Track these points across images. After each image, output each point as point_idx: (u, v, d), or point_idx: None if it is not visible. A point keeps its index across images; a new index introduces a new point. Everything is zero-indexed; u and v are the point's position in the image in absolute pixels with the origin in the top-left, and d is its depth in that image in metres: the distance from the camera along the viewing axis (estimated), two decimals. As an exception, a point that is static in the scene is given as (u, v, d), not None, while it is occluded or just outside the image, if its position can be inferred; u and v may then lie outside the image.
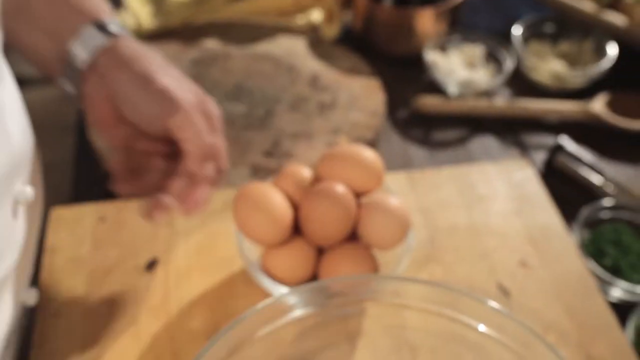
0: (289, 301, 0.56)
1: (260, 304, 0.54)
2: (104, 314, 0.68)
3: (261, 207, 0.64)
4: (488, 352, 0.59)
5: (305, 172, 0.68)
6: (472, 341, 0.59)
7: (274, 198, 0.65)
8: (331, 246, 0.66)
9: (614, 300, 0.78)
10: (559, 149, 0.92)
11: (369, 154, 0.67)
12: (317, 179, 0.67)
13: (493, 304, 0.56)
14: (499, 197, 0.82)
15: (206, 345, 0.51)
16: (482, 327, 0.58)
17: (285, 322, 0.57)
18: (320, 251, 0.67)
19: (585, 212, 0.83)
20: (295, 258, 0.66)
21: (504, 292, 0.72)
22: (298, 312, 0.57)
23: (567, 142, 0.92)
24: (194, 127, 0.61)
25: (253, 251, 0.69)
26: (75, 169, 0.95)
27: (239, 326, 0.53)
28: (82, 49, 0.62)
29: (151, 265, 0.73)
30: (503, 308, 0.57)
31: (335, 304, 0.59)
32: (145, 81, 0.61)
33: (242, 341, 0.54)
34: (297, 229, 0.67)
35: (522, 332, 0.56)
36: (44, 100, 2.01)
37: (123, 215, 0.78)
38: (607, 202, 0.86)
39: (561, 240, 0.78)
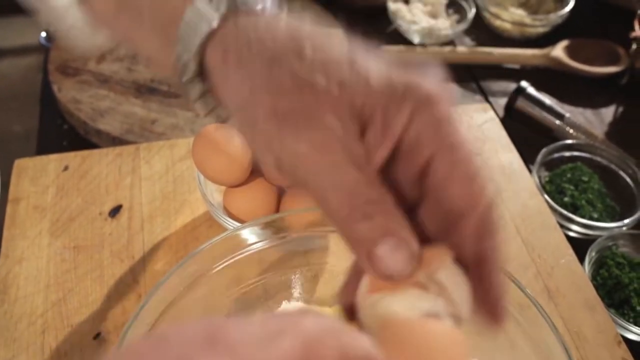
0: (247, 234, 0.57)
1: (218, 236, 0.55)
2: (69, 259, 0.69)
3: (220, 148, 0.64)
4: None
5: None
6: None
7: (232, 139, 0.65)
8: (291, 186, 0.67)
9: (573, 236, 0.79)
10: (519, 92, 0.93)
11: None
12: None
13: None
14: (460, 139, 0.83)
15: (163, 277, 0.52)
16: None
17: (244, 255, 0.58)
18: (282, 191, 0.68)
19: (544, 152, 0.85)
20: (256, 198, 0.67)
21: (464, 229, 0.73)
22: (257, 246, 0.58)
23: (528, 87, 0.93)
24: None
25: (215, 194, 0.70)
26: (40, 122, 0.95)
27: (197, 258, 0.54)
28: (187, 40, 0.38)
29: (115, 211, 0.73)
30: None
31: (294, 237, 0.59)
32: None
33: (201, 274, 0.55)
34: (258, 170, 0.67)
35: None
36: (15, 69, 1.99)
37: (87, 164, 0.78)
38: (566, 143, 0.87)
39: (521, 179, 0.79)
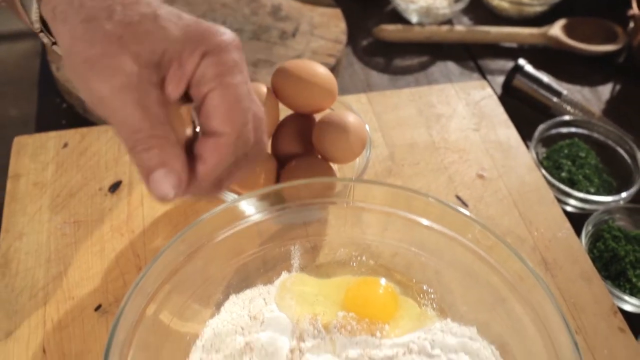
0: (246, 205, 0.57)
1: (217, 208, 0.55)
2: (69, 234, 0.69)
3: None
4: (450, 254, 0.60)
5: (263, 89, 0.69)
6: (432, 245, 0.61)
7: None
8: (291, 160, 0.67)
9: (570, 210, 0.80)
10: (517, 70, 0.93)
11: (322, 70, 0.67)
12: (274, 93, 0.68)
13: (455, 207, 0.58)
14: (457, 116, 0.84)
15: (163, 247, 0.52)
16: (443, 230, 0.59)
17: (243, 227, 0.58)
18: (281, 165, 0.68)
19: (541, 128, 0.85)
20: (256, 171, 0.67)
21: (462, 202, 0.74)
22: (256, 218, 0.58)
23: (525, 64, 0.94)
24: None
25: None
26: (38, 102, 0.95)
27: (196, 229, 0.54)
28: None
29: (115, 187, 0.73)
30: (466, 211, 0.58)
31: (293, 209, 0.60)
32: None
33: (200, 245, 0.55)
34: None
35: (484, 235, 0.58)
36: (13, 54, 1.99)
37: (86, 141, 0.78)
38: (563, 119, 0.88)
39: (518, 155, 0.80)
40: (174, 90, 0.42)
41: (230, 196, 0.62)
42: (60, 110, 0.91)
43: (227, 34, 0.43)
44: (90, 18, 0.41)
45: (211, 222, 0.55)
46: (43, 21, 0.48)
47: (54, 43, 0.48)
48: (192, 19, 0.43)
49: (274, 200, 0.58)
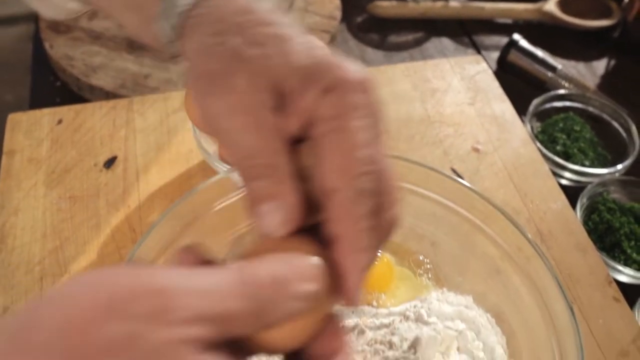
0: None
1: (212, 178, 0.55)
2: (64, 209, 0.69)
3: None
4: (447, 225, 0.61)
5: None
6: (429, 216, 0.61)
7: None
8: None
9: (565, 184, 0.80)
10: (512, 45, 0.93)
11: None
12: None
13: (453, 176, 0.58)
14: (452, 90, 0.84)
15: (158, 218, 0.52)
16: (440, 200, 0.60)
17: (239, 199, 0.58)
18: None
19: (536, 102, 0.85)
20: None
21: (457, 175, 0.74)
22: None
23: (520, 39, 0.93)
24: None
25: (211, 144, 0.70)
26: (32, 81, 0.95)
27: (191, 200, 0.54)
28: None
29: (110, 162, 0.73)
30: (463, 181, 0.59)
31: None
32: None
33: (196, 216, 0.55)
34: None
35: (482, 204, 0.58)
36: (7, 39, 1.98)
37: (80, 117, 0.78)
38: (558, 93, 0.87)
39: (513, 128, 0.80)
40: (294, 123, 0.36)
41: (224, 167, 0.62)
42: (55, 89, 0.91)
43: (354, 71, 0.37)
44: (221, 32, 0.38)
45: (206, 193, 0.55)
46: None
47: (176, 56, 0.44)
48: (325, 49, 0.38)
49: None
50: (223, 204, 0.57)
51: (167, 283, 0.27)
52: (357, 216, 0.35)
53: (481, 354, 0.51)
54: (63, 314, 0.26)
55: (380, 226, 0.36)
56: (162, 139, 0.76)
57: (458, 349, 0.52)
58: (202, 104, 0.37)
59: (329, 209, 0.35)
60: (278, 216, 0.35)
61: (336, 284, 0.33)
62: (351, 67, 0.37)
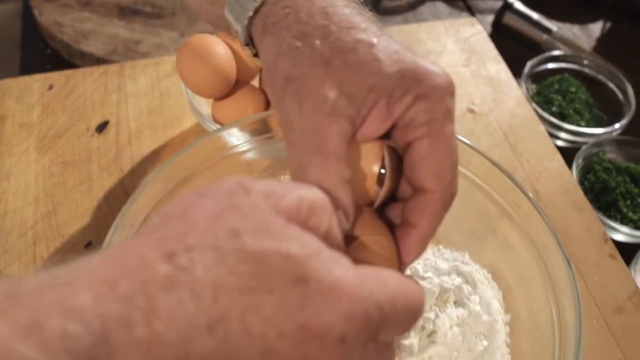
0: (234, 135, 0.57)
1: (205, 136, 0.54)
2: (57, 174, 0.68)
3: (204, 58, 0.64)
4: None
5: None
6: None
7: (217, 49, 0.65)
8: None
9: (561, 145, 0.80)
10: (507, 7, 0.92)
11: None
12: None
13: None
14: (447, 52, 0.83)
15: (149, 177, 0.51)
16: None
17: (232, 160, 0.57)
18: (269, 101, 0.68)
19: (531, 64, 0.84)
20: (244, 105, 0.66)
21: (452, 136, 0.73)
22: (244, 147, 0.58)
23: (515, 1, 0.93)
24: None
25: (204, 107, 0.69)
26: (21, 49, 0.94)
27: (184, 158, 0.53)
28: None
29: (102, 127, 0.73)
30: (461, 137, 0.58)
31: (281, 140, 0.59)
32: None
33: (188, 175, 0.55)
34: (244, 80, 0.67)
35: (480, 161, 0.57)
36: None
37: (71, 83, 0.77)
38: (553, 54, 0.87)
39: (509, 90, 0.79)
40: (376, 129, 0.38)
41: (215, 126, 0.61)
42: (45, 56, 0.90)
43: (443, 77, 0.38)
44: (303, 35, 0.38)
45: (198, 151, 0.54)
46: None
47: (256, 55, 0.45)
48: (410, 55, 0.38)
49: (261, 130, 0.57)
50: (216, 163, 0.56)
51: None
52: (438, 216, 0.38)
53: (477, 308, 0.51)
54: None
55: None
56: (154, 102, 0.75)
57: (454, 302, 0.51)
58: (278, 106, 0.38)
59: (418, 203, 0.38)
60: (343, 223, 0.36)
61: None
62: (439, 72, 0.37)
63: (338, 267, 0.28)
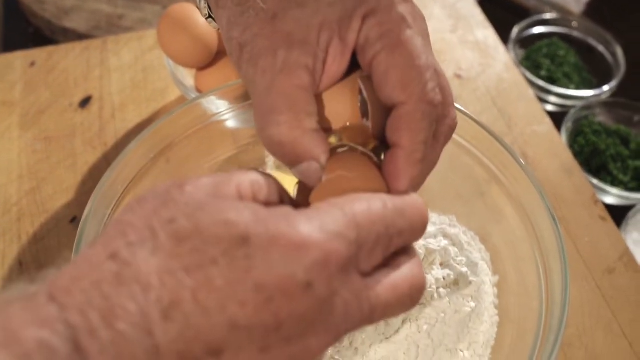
0: (215, 101, 0.56)
1: (185, 103, 0.54)
2: (40, 150, 0.68)
3: (184, 26, 0.63)
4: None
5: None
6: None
7: (197, 17, 0.64)
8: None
9: (550, 110, 0.79)
10: (494, -28, 0.91)
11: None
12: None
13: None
14: (433, 18, 0.82)
15: (133, 141, 0.51)
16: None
17: (216, 128, 0.57)
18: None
19: (519, 28, 0.84)
20: (227, 76, 0.65)
21: (439, 102, 0.72)
22: (227, 116, 0.57)
23: (503, -33, 0.92)
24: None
25: (187, 79, 0.68)
26: (4, 28, 0.93)
27: (165, 125, 0.53)
28: None
29: (85, 102, 0.72)
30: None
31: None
32: None
33: (170, 142, 0.54)
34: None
35: (469, 126, 0.56)
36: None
37: (54, 59, 0.76)
38: (541, 18, 0.86)
39: (496, 54, 0.78)
40: (339, 66, 0.36)
41: (196, 94, 0.60)
42: (27, 35, 0.89)
43: None
44: (244, 0, 0.37)
45: (179, 118, 0.54)
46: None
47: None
48: None
49: (244, 97, 0.56)
50: (198, 131, 0.55)
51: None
52: (418, 128, 0.34)
53: (464, 269, 0.50)
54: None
55: (440, 133, 0.37)
56: (137, 77, 0.74)
57: (441, 264, 0.51)
58: (241, 73, 0.37)
59: (394, 120, 0.35)
60: (316, 172, 0.35)
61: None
62: None
63: (278, 218, 0.27)
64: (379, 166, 0.35)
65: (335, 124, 0.37)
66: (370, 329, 0.47)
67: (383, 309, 0.30)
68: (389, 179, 0.35)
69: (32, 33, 0.89)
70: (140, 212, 0.28)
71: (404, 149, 0.34)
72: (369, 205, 0.30)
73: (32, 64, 0.75)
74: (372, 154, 0.36)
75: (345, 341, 0.48)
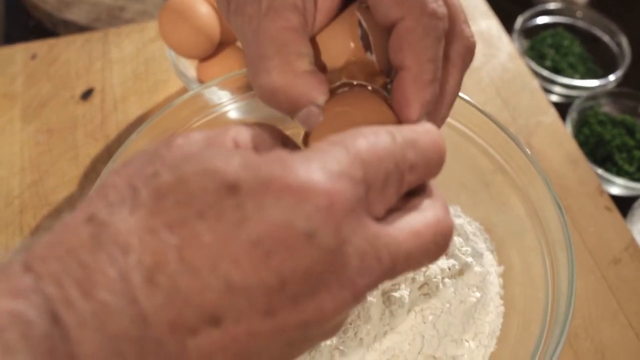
0: (219, 92, 0.55)
1: (187, 94, 0.53)
2: (42, 143, 0.67)
3: (186, 17, 0.62)
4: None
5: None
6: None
7: (199, 7, 0.63)
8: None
9: (555, 100, 0.79)
10: (497, -38, 0.90)
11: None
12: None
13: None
14: (437, 9, 0.81)
15: (132, 135, 0.50)
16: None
17: (219, 114, 0.56)
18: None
19: (524, 18, 0.83)
20: (229, 66, 0.65)
21: (443, 92, 0.72)
22: (230, 107, 0.57)
23: (506, -43, 0.91)
24: None
25: (189, 70, 0.68)
26: (5, 21, 0.92)
27: (167, 115, 0.52)
28: None
29: (87, 94, 0.71)
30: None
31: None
32: None
33: (173, 132, 0.54)
34: (227, 40, 0.66)
35: (473, 115, 0.56)
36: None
37: (55, 51, 0.76)
38: (545, 8, 0.85)
39: (500, 44, 0.78)
40: (332, 3, 0.33)
41: (198, 85, 0.60)
42: (28, 28, 0.89)
43: None
44: None
45: (181, 109, 0.53)
46: None
47: None
48: None
49: (245, 87, 0.56)
50: (201, 121, 0.55)
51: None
52: (423, 46, 0.30)
53: (469, 259, 0.50)
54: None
55: (455, 54, 0.33)
56: (139, 68, 0.74)
57: (446, 254, 0.50)
58: (234, 28, 0.34)
59: (395, 40, 0.31)
60: (317, 116, 0.32)
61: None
62: None
63: (271, 162, 0.24)
64: (390, 104, 0.32)
65: (338, 63, 0.34)
66: (375, 319, 0.47)
67: (405, 258, 0.26)
68: (398, 109, 0.31)
69: (33, 26, 0.88)
70: (124, 173, 0.25)
71: (409, 70, 0.31)
72: (375, 139, 0.26)
73: (34, 56, 0.75)
74: (381, 90, 0.33)
75: (350, 332, 0.47)
